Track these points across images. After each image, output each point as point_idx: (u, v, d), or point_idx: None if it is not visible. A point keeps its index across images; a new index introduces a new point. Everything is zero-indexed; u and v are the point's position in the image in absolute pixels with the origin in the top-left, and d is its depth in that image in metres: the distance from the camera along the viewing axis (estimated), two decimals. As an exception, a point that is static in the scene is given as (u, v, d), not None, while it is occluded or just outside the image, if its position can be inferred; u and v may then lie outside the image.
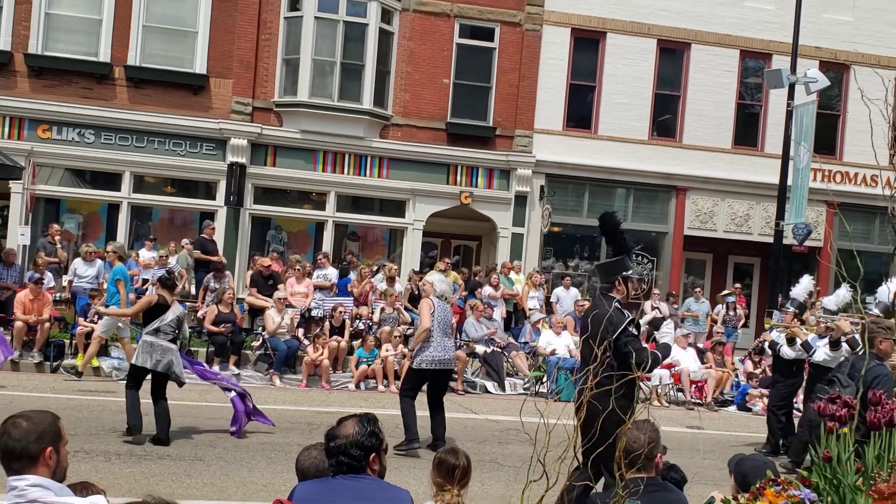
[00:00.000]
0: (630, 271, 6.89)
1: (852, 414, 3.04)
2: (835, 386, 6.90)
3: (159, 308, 9.90)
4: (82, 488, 3.59)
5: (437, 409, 10.03)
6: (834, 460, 2.94)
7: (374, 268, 18.19)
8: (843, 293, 11.94)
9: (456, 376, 15.32)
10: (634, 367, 6.48)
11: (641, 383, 12.40)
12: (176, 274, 10.50)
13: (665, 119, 21.49)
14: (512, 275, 18.44)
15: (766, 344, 12.11)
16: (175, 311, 10.01)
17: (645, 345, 7.06)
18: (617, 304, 6.65)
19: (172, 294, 10.22)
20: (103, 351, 14.61)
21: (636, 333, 6.57)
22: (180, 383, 10.01)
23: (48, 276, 15.32)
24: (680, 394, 16.02)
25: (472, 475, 4.64)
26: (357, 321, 16.32)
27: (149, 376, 9.82)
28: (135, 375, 9.87)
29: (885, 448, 2.94)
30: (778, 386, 11.70)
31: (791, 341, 11.20)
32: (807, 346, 10.71)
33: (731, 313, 19.00)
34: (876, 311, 9.92)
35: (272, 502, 3.62)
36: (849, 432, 2.96)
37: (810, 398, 9.29)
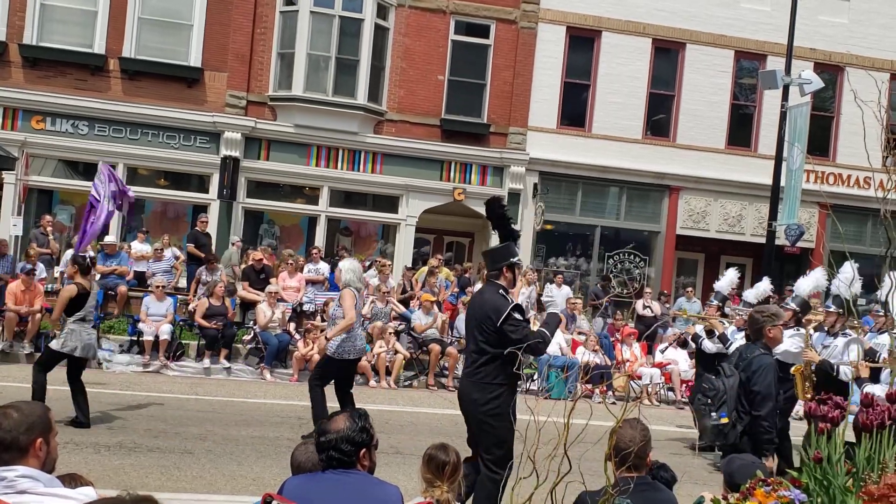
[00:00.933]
0: (516, 258, 6.69)
1: (844, 415, 3.05)
2: (720, 376, 6.86)
3: (81, 296, 9.87)
4: (70, 480, 3.59)
5: (347, 398, 10.01)
6: (824, 461, 2.95)
7: (367, 263, 18.17)
8: (765, 286, 11.76)
9: (448, 372, 15.34)
10: (531, 349, 6.43)
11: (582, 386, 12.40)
12: (88, 259, 10.40)
13: (659, 118, 21.51)
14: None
15: (690, 337, 12.09)
16: (93, 294, 10.09)
17: (535, 327, 6.78)
18: (501, 291, 6.49)
19: (89, 278, 10.16)
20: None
21: (521, 318, 6.42)
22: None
23: (40, 267, 15.30)
24: (671, 393, 16.05)
25: (461, 472, 4.65)
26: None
27: (64, 361, 9.88)
28: (50, 361, 9.88)
29: (876, 449, 2.95)
30: (700, 379, 11.51)
31: (710, 333, 11.16)
32: (723, 339, 10.59)
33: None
34: (793, 305, 9.89)
35: (262, 496, 3.61)
36: (840, 433, 2.97)
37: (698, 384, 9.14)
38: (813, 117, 18.87)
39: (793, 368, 9.25)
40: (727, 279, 12.57)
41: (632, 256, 21.12)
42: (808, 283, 10.18)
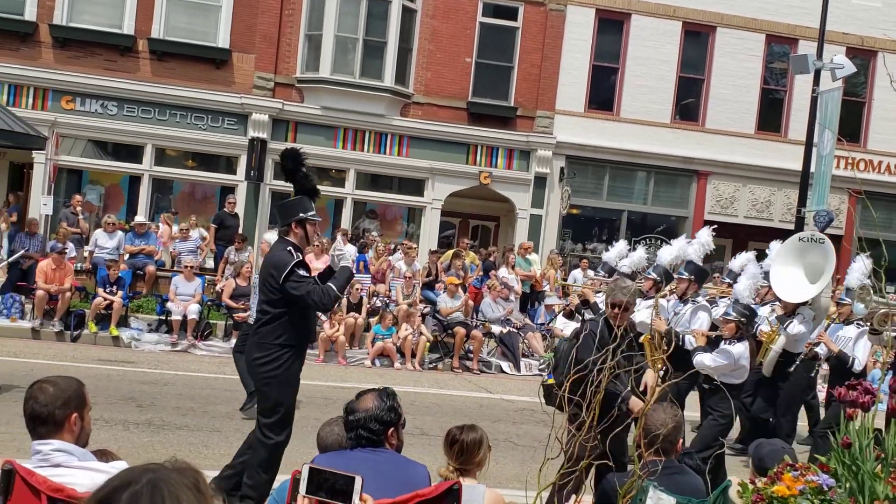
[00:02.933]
0: (310, 213, 6.26)
1: (874, 400, 3.04)
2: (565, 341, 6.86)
3: None
4: (102, 455, 3.65)
5: None
6: (853, 447, 2.94)
7: (392, 246, 18.21)
8: (640, 254, 11.31)
9: (472, 355, 15.37)
10: (316, 306, 6.08)
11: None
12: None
13: (688, 103, 21.33)
14: (529, 255, 18.41)
15: (575, 307, 11.83)
16: None
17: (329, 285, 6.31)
18: (290, 248, 6.13)
19: None
20: (122, 321, 14.76)
21: (305, 274, 6.04)
22: None
23: (70, 246, 15.47)
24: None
25: (482, 455, 4.58)
26: (374, 298, 16.36)
27: None
28: None
29: (906, 436, 2.94)
30: None
31: (585, 303, 11.00)
32: (595, 308, 10.34)
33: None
34: (653, 274, 9.79)
35: (290, 474, 3.65)
36: (870, 419, 2.95)
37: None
38: (844, 102, 18.63)
39: (642, 338, 9.13)
40: (615, 250, 12.21)
41: (659, 242, 21.00)
42: (670, 252, 10.10)
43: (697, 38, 21.25)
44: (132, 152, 19.16)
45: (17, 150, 17.55)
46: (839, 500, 2.77)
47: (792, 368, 9.20)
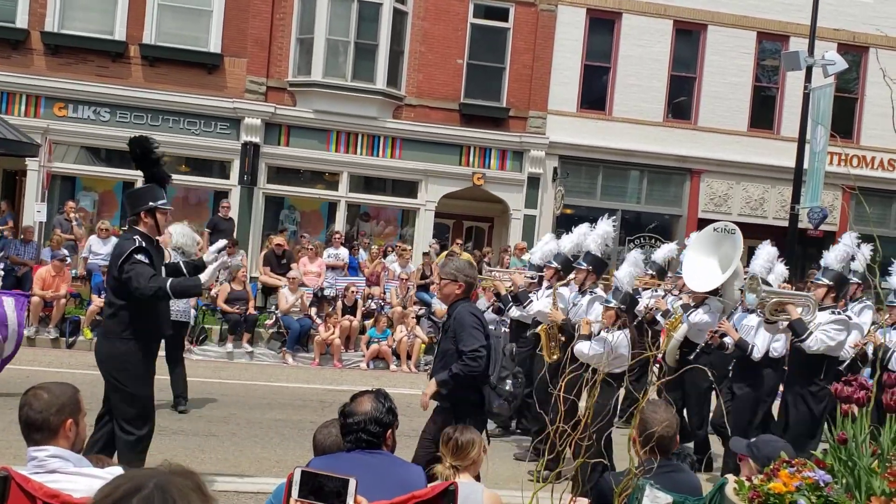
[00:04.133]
0: (161, 202, 6.13)
1: (870, 396, 3.04)
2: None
3: None
4: (97, 461, 3.65)
5: (178, 363, 10.04)
6: (849, 442, 2.94)
7: (386, 248, 18.21)
8: (549, 245, 10.99)
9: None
10: (136, 291, 5.77)
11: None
12: None
13: (680, 101, 21.36)
14: (525, 256, 18.40)
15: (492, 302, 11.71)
16: None
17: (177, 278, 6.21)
18: (137, 236, 5.96)
19: None
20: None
21: (146, 261, 5.84)
22: None
23: (65, 253, 15.43)
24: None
25: (476, 454, 4.63)
26: (369, 301, 16.36)
27: None
28: None
29: (901, 430, 2.94)
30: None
31: (497, 296, 10.94)
32: (505, 301, 10.27)
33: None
34: (555, 263, 9.73)
35: (286, 477, 3.64)
36: (865, 415, 2.95)
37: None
38: (837, 99, 18.66)
39: (539, 328, 9.11)
40: (663, 251, 12.27)
41: (652, 240, 21.02)
42: (570, 241, 10.14)
43: (689, 36, 21.29)
44: (125, 158, 18.87)
45: (10, 158, 17.54)
46: (836, 497, 2.78)
47: (692, 357, 9.02)
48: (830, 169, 18.80)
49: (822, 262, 8.25)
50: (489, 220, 22.55)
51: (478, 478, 4.71)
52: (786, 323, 7.67)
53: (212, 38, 19.05)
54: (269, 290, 16.43)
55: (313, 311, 15.68)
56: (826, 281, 7.91)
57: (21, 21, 18.27)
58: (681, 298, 10.04)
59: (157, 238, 6.36)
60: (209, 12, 19.02)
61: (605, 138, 20.51)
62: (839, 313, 7.78)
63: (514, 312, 10.08)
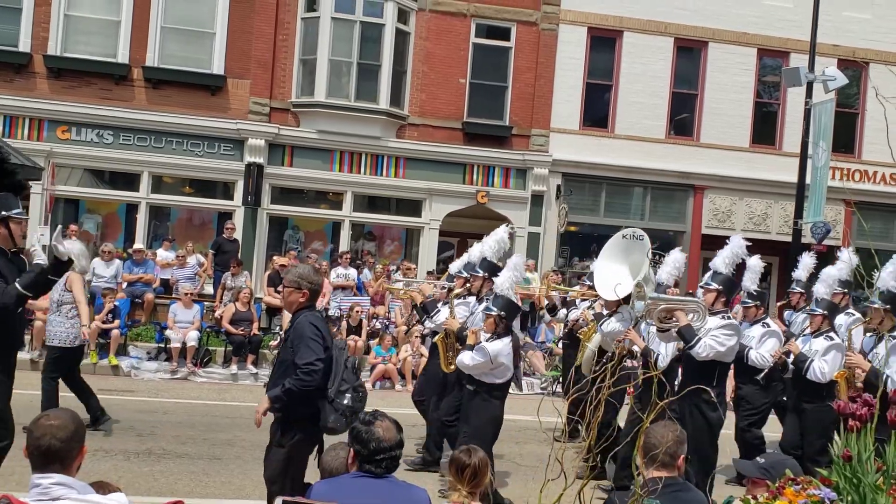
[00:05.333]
0: (14, 211, 5.93)
1: (873, 413, 3.03)
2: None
3: None
4: (100, 487, 3.63)
5: (82, 384, 9.95)
6: (854, 459, 2.93)
7: (392, 267, 18.23)
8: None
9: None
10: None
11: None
12: None
13: (682, 118, 21.40)
14: (528, 274, 18.39)
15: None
16: None
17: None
18: None
19: None
20: (122, 350, 14.74)
21: None
22: None
23: (68, 276, 15.43)
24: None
25: (489, 475, 4.59)
26: (374, 321, 16.35)
27: None
28: None
29: (906, 447, 2.93)
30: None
31: (414, 307, 10.73)
32: (426, 309, 9.84)
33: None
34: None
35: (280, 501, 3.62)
36: (869, 432, 2.94)
37: None
38: (837, 114, 18.72)
39: (436, 337, 8.94)
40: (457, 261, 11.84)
41: (656, 256, 20.98)
42: (477, 249, 9.82)
43: (689, 53, 21.36)
44: (129, 180, 19.19)
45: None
46: (841, 514, 2.76)
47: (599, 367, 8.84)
48: (832, 184, 18.81)
49: (711, 266, 8.08)
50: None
51: (483, 498, 4.66)
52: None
53: (215, 60, 19.14)
54: (274, 311, 16.43)
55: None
56: (715, 286, 7.74)
57: (24, 45, 18.37)
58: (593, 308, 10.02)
59: (13, 249, 6.22)
60: (212, 34, 19.13)
61: (607, 156, 20.55)
62: (729, 318, 7.57)
63: (428, 323, 9.88)
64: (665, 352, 8.22)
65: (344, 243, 19.76)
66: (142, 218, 19.04)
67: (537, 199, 20.35)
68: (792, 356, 9.03)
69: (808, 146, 17.65)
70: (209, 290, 17.37)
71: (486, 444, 7.26)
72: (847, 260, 8.74)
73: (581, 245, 21.57)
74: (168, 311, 15.32)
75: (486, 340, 7.69)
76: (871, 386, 7.89)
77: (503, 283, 7.92)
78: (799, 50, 20.27)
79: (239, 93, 19.23)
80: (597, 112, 21.02)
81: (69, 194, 18.98)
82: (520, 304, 8.55)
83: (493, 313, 7.76)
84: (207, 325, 15.65)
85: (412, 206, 20.36)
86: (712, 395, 7.29)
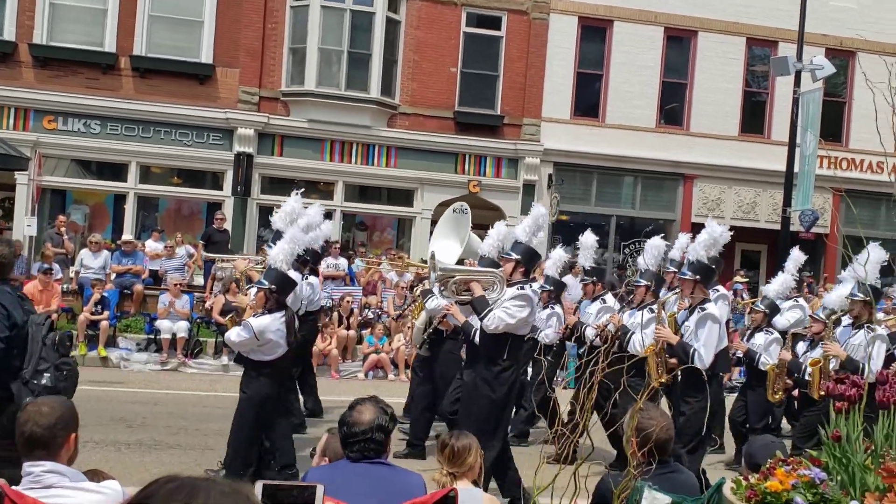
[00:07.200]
0: None
1: (861, 394, 3.05)
2: None
3: None
4: (93, 475, 3.63)
5: None
6: (843, 439, 2.95)
7: (383, 257, 18.20)
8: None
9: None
10: None
11: None
12: None
13: (672, 107, 21.44)
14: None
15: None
16: None
17: None
18: None
19: None
20: (111, 341, 14.69)
21: None
22: None
23: (55, 267, 15.39)
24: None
25: (473, 460, 4.60)
26: (366, 310, 16.35)
27: None
28: None
29: (894, 427, 2.96)
30: None
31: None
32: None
33: (739, 300, 18.94)
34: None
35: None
36: (857, 412, 2.97)
37: None
38: (825, 103, 18.79)
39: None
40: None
41: (637, 244, 21.05)
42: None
43: (679, 43, 21.38)
44: (116, 170, 19.10)
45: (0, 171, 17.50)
46: (831, 493, 2.79)
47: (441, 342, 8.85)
48: (820, 172, 18.89)
49: (512, 235, 7.90)
50: (485, 228, 22.39)
51: (476, 483, 4.69)
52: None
53: (203, 49, 19.05)
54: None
55: (308, 321, 15.65)
56: (514, 255, 7.54)
57: (9, 33, 18.22)
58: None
59: None
60: (200, 23, 19.03)
61: (598, 145, 20.57)
62: (522, 289, 7.33)
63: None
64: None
65: (335, 233, 19.70)
66: (130, 208, 18.97)
67: (529, 188, 20.36)
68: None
69: (797, 135, 17.71)
70: (199, 280, 17.32)
71: (247, 425, 7.34)
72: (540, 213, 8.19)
73: (572, 234, 21.49)
74: (157, 301, 15.28)
75: (255, 316, 7.39)
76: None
77: (277, 255, 7.57)
78: (787, 39, 20.30)
79: (228, 82, 19.15)
80: (587, 101, 21.03)
81: (56, 185, 18.88)
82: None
83: (264, 286, 7.43)
84: (198, 315, 15.61)
85: (403, 196, 20.33)
86: (500, 367, 7.17)
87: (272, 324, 7.28)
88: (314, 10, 19.12)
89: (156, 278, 16.71)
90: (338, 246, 17.85)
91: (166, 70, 18.80)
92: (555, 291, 10.32)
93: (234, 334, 7.39)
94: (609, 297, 10.06)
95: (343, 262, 17.38)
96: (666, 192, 21.45)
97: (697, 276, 7.76)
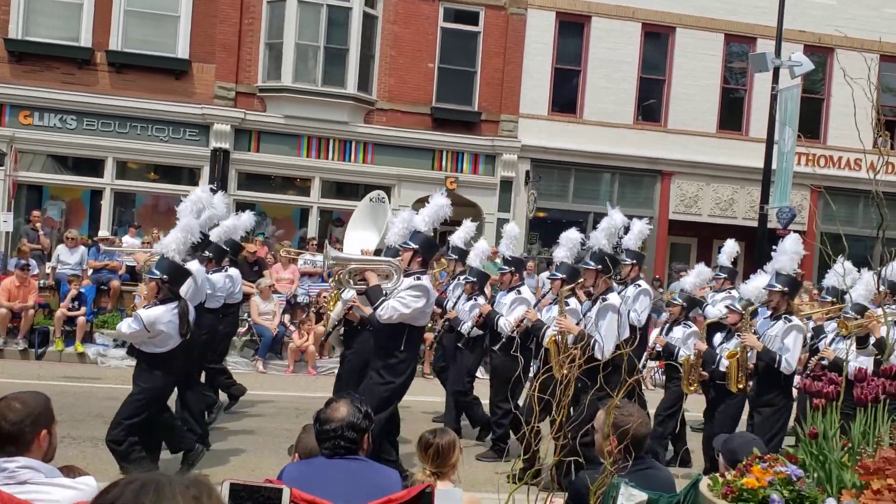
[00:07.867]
0: None
1: (839, 391, 3.07)
2: None
3: None
4: (68, 471, 3.60)
5: None
6: (820, 437, 2.96)
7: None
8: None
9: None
10: None
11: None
12: None
13: (650, 103, 21.50)
14: (497, 260, 18.40)
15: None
16: None
17: None
18: None
19: None
20: (88, 337, 14.58)
21: None
22: None
23: (32, 263, 15.26)
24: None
25: (456, 457, 4.59)
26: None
27: None
28: None
29: (870, 424, 2.97)
30: None
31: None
32: None
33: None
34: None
35: (263, 481, 3.61)
36: (834, 409, 2.98)
37: None
38: (803, 100, 18.88)
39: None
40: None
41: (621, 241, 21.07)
42: None
43: (657, 38, 21.45)
44: (93, 166, 18.93)
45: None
46: (808, 490, 2.80)
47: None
48: (798, 169, 19.00)
49: (411, 228, 7.80)
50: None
51: (456, 481, 4.67)
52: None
53: (179, 44, 18.91)
54: (244, 298, 16.29)
55: (287, 318, 15.61)
56: (413, 245, 7.51)
57: (-15, 29, 18.04)
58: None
59: None
60: (176, 18, 18.89)
61: (576, 141, 20.60)
62: (419, 279, 7.32)
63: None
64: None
65: (312, 229, 19.65)
66: (107, 204, 18.81)
67: (506, 185, 20.36)
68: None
69: (775, 131, 17.80)
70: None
71: (131, 415, 7.33)
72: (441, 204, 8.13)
73: (550, 231, 21.58)
74: (133, 298, 15.15)
75: (146, 307, 7.26)
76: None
77: (169, 244, 7.45)
78: (765, 36, 20.41)
79: (204, 77, 19.02)
80: (565, 97, 21.05)
81: (32, 180, 18.69)
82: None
83: (156, 277, 7.27)
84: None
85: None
86: (397, 359, 7.17)
87: (163, 315, 7.13)
88: (291, 6, 19.02)
89: (133, 274, 16.57)
90: (315, 242, 17.81)
91: (142, 65, 18.65)
92: (478, 283, 10.30)
93: (124, 326, 7.25)
94: (524, 289, 10.03)
95: (320, 258, 17.30)
96: (644, 189, 21.51)
97: (599, 266, 7.86)
